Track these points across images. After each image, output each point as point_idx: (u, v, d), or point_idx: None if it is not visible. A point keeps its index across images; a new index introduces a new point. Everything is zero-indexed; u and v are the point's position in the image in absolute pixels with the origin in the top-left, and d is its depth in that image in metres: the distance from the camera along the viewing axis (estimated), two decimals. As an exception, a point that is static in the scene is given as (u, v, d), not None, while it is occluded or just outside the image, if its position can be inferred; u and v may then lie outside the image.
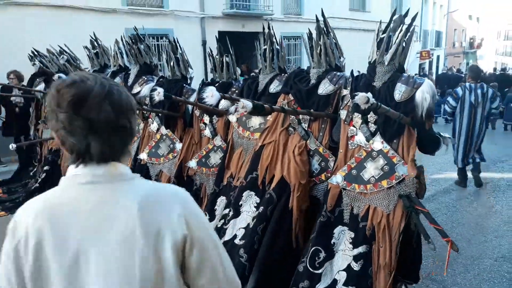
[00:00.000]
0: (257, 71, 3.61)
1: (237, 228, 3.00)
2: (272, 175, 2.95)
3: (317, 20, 2.91)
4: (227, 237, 3.00)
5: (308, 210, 2.88)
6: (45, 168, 5.38)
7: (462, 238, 4.10)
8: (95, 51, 5.07)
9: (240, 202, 3.06)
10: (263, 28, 3.34)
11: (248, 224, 2.93)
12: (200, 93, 3.51)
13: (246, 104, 2.54)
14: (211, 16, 11.73)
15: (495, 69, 18.06)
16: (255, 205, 3.00)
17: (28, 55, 6.43)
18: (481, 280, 3.39)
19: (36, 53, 6.20)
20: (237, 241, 2.92)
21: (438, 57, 28.07)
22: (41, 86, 5.82)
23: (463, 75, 13.67)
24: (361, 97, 2.15)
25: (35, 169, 5.94)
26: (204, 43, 11.56)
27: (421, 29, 21.88)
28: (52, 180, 5.14)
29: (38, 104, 6.12)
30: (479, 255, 3.79)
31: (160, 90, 3.37)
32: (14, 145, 4.96)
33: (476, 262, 3.68)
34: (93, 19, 9.32)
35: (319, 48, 2.94)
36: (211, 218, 3.36)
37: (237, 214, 3.04)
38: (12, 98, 6.90)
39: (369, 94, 2.16)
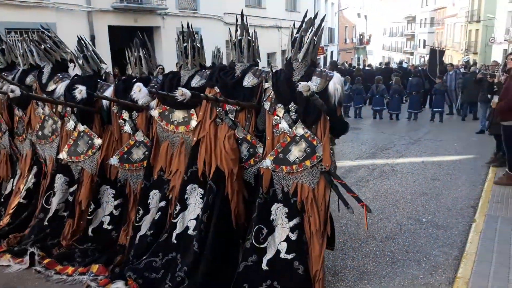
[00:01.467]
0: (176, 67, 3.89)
1: (187, 220, 3.34)
2: (209, 167, 3.31)
3: (242, 18, 3.37)
4: (178, 230, 3.35)
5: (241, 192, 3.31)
6: None
7: (351, 223, 4.40)
8: (1, 48, 4.78)
9: (186, 196, 3.39)
10: (183, 27, 3.67)
11: (198, 215, 3.30)
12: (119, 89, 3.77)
13: (185, 91, 2.95)
14: (99, 10, 11.18)
15: (380, 63, 19.90)
16: (201, 196, 3.36)
17: None
18: (368, 261, 3.68)
19: None
20: (190, 232, 3.31)
21: (332, 52, 30.14)
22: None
23: (354, 69, 14.87)
24: (304, 85, 2.69)
25: None
26: (92, 38, 10.98)
27: (315, 26, 23.18)
28: None
29: None
30: (366, 237, 4.11)
31: (82, 88, 3.58)
32: None
33: (363, 244, 3.99)
34: None
35: (243, 45, 3.35)
36: (145, 212, 3.63)
37: (184, 207, 3.38)
38: None
39: (310, 83, 2.71)
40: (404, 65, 20.23)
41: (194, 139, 3.44)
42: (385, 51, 53.66)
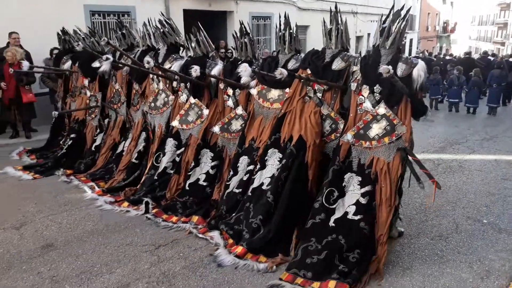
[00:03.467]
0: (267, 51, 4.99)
1: (263, 177, 4.03)
2: (291, 136, 3.95)
3: (336, 10, 3.88)
4: (255, 184, 4.06)
5: (320, 163, 3.90)
6: (72, 135, 6.39)
7: (404, 218, 4.36)
8: (121, 32, 5.95)
9: (266, 158, 4.09)
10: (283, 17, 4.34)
11: (273, 174, 3.96)
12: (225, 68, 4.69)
13: (283, 71, 3.67)
14: (171, -8, 11.58)
15: (466, 53, 18.48)
16: (278, 159, 4.01)
17: (57, 33, 7.43)
18: (415, 258, 3.65)
19: (64, 31, 7.23)
20: (264, 187, 3.97)
21: (411, 40, 28.56)
22: (68, 64, 6.92)
23: (434, 59, 13.99)
24: (385, 68, 3.14)
25: (64, 139, 6.83)
26: (169, 19, 11.37)
27: (393, 12, 22.06)
28: (77, 146, 6.30)
29: (67, 80, 7.06)
30: (417, 234, 4.10)
31: (197, 68, 4.36)
32: (56, 113, 6.42)
33: (413, 240, 3.97)
34: None
35: (335, 33, 3.89)
36: (234, 173, 4.40)
37: (263, 166, 4.08)
38: None
39: (390, 67, 3.15)
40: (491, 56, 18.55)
41: (282, 111, 4.09)
42: (472, 40, 49.73)
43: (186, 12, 12.53)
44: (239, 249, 3.63)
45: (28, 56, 8.61)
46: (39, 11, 9.12)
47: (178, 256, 3.63)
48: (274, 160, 4.02)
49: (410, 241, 3.91)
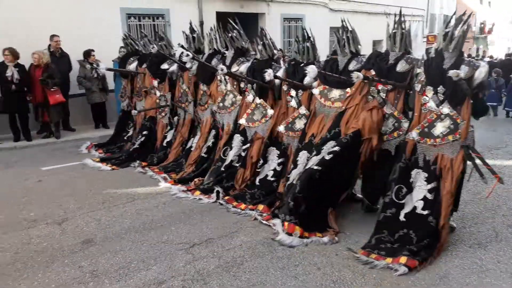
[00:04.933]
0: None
1: (314, 160, 4.26)
2: (349, 129, 4.21)
3: (400, 14, 4.23)
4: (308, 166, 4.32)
5: (378, 157, 4.28)
6: (144, 132, 6.94)
7: None
8: (192, 36, 6.42)
9: (323, 148, 4.32)
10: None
11: (323, 157, 4.18)
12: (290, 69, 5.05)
13: (359, 74, 3.93)
14: (208, -4, 11.74)
15: (507, 55, 17.83)
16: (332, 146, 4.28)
17: (122, 36, 8.20)
18: (452, 266, 3.56)
19: (127, 35, 8.02)
20: (314, 166, 4.15)
21: (446, 42, 27.62)
22: (133, 65, 7.44)
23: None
24: (454, 72, 3.47)
25: (129, 134, 7.53)
26: (201, 24, 11.59)
27: (428, 13, 21.64)
28: (149, 142, 6.87)
29: (133, 80, 7.56)
30: (454, 241, 3.99)
31: (270, 72, 4.84)
32: (136, 112, 6.98)
33: (450, 248, 3.86)
34: None
35: (399, 37, 4.18)
36: (294, 167, 4.69)
37: (318, 153, 4.33)
38: (7, 75, 7.75)
39: (459, 71, 3.47)
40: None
41: (343, 107, 4.38)
42: (510, 42, 47.88)
43: (219, 15, 12.70)
44: (297, 229, 3.97)
45: (67, 58, 8.98)
46: (78, 14, 9.48)
47: (212, 255, 3.70)
48: (328, 148, 4.28)
49: (447, 248, 3.79)
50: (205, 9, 12.10)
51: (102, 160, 6.78)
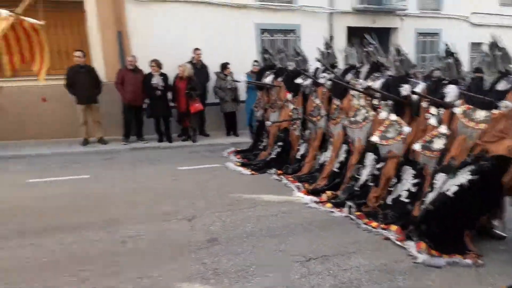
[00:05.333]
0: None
1: (451, 184, 4.05)
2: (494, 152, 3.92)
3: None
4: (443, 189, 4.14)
5: None
6: (279, 143, 7.26)
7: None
8: (327, 51, 6.57)
9: (461, 171, 4.07)
10: None
11: (461, 182, 3.97)
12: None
13: (508, 104, 3.85)
14: (340, 12, 11.74)
15: None
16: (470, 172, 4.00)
17: (260, 50, 8.92)
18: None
19: (266, 50, 8.52)
20: (448, 193, 3.99)
21: None
22: (269, 78, 7.85)
23: None
24: None
25: (264, 144, 7.96)
26: (331, 39, 11.63)
27: None
28: (284, 153, 7.14)
29: (268, 93, 7.97)
30: None
31: (407, 87, 4.82)
32: (269, 122, 7.36)
33: None
34: (225, 14, 10.63)
35: None
36: (431, 190, 4.40)
37: (454, 176, 4.08)
38: (153, 82, 8.72)
39: None
40: None
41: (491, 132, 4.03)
42: None
43: (349, 29, 12.59)
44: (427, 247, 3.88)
45: (206, 70, 9.78)
46: (218, 30, 10.28)
47: (327, 273, 3.64)
48: (466, 172, 4.00)
49: None
50: (336, 24, 12.10)
51: (243, 164, 7.31)
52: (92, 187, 6.02)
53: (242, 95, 9.90)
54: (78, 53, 8.35)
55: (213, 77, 9.90)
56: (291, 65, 6.92)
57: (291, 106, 7.06)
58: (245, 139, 9.54)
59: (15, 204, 5.22)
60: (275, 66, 7.92)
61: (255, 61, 9.72)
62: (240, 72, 9.54)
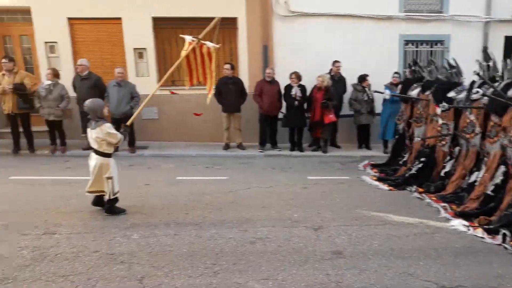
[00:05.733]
0: None
1: None
2: None
3: None
4: None
5: None
6: (422, 159, 7.00)
7: None
8: (486, 64, 6.17)
9: None
10: None
11: None
12: None
13: None
14: (497, 20, 10.53)
15: None
16: None
17: (408, 63, 8.85)
18: None
19: (415, 62, 8.44)
20: None
21: None
22: (416, 91, 7.63)
23: None
24: None
25: (404, 159, 7.72)
26: (485, 50, 10.50)
27: None
28: (426, 169, 6.82)
29: (413, 106, 7.80)
30: None
31: None
32: (419, 138, 7.09)
33: None
34: (369, 26, 10.42)
35: None
36: None
37: None
38: (292, 93, 8.98)
39: None
40: None
41: None
42: None
43: (508, 39, 11.22)
44: None
45: (343, 82, 9.76)
46: (359, 41, 10.15)
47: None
48: None
49: None
50: (492, 34, 10.90)
51: (380, 179, 7.15)
52: (230, 188, 6.48)
53: (378, 107, 9.63)
54: (227, 66, 9.09)
55: (349, 89, 9.83)
56: (442, 78, 6.57)
57: (440, 121, 6.67)
58: (377, 153, 9.33)
59: (166, 198, 5.92)
60: (423, 79, 7.58)
61: (396, 72, 9.36)
62: (379, 84, 9.31)
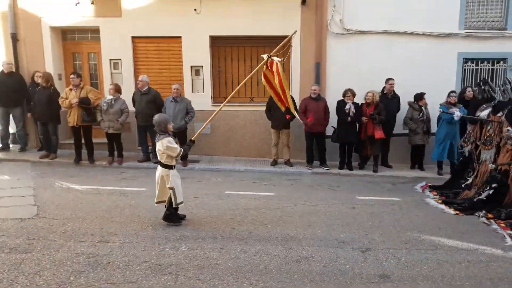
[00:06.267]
0: None
1: None
2: None
3: None
4: None
5: None
6: (493, 185, 6.69)
7: None
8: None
9: None
10: None
11: None
12: None
13: None
14: None
15: None
16: None
17: (478, 82, 8.78)
18: None
19: (485, 81, 8.45)
20: None
21: None
22: (485, 112, 7.41)
23: None
24: None
25: (467, 183, 7.45)
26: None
27: None
28: (498, 196, 6.51)
29: (482, 127, 7.53)
30: None
31: None
32: (493, 165, 6.66)
33: None
34: (426, 43, 10.11)
35: None
36: None
37: None
38: (346, 108, 8.98)
39: None
40: None
41: None
42: None
43: None
44: None
45: (397, 100, 9.54)
46: (414, 59, 9.90)
47: None
48: None
49: None
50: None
51: (445, 202, 6.91)
52: (276, 204, 6.49)
53: (433, 127, 9.29)
54: (276, 83, 9.22)
55: (403, 108, 9.57)
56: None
57: None
58: (430, 174, 9.01)
59: (213, 212, 6.05)
60: (493, 99, 7.35)
61: (453, 91, 8.99)
62: (436, 103, 9.02)
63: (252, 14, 9.72)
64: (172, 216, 5.41)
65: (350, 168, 9.23)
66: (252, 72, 6.14)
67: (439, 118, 9.00)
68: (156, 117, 5.38)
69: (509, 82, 7.20)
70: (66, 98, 8.63)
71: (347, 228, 5.50)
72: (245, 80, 6.39)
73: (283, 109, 5.98)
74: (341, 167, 9.31)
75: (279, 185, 7.96)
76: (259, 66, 5.70)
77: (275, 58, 5.45)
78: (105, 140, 9.14)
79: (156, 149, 5.37)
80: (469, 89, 9.24)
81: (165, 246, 4.68)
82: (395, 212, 6.34)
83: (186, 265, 4.21)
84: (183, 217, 5.54)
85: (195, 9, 9.69)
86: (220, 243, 4.84)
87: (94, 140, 9.17)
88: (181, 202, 5.38)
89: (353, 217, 5.98)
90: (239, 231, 5.23)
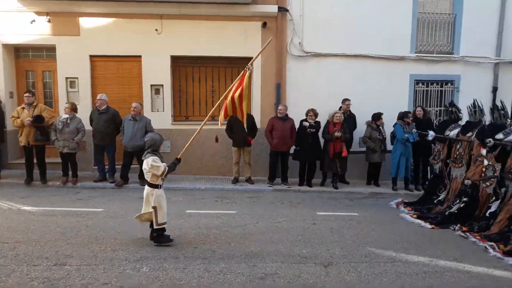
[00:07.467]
0: None
1: None
2: None
3: None
4: None
5: None
6: (464, 199, 6.96)
7: None
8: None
9: None
10: None
11: None
12: None
13: None
14: (508, 62, 10.65)
15: None
16: None
17: (445, 105, 9.46)
18: None
19: (452, 103, 8.73)
20: None
21: None
22: (454, 132, 7.76)
23: None
24: None
25: (439, 199, 7.79)
26: (495, 90, 10.63)
27: None
28: (469, 209, 6.76)
29: (451, 146, 7.94)
30: None
31: None
32: (469, 181, 6.79)
33: None
34: (380, 66, 10.66)
35: None
36: None
37: None
38: (305, 124, 9.31)
39: None
40: None
41: None
42: None
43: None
44: None
45: (353, 119, 9.88)
46: (369, 81, 10.38)
47: None
48: None
49: None
50: (502, 75, 11.03)
51: (420, 217, 7.14)
52: (238, 222, 6.48)
53: (389, 145, 9.70)
54: (237, 103, 9.33)
55: (360, 127, 9.96)
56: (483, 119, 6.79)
57: (486, 162, 6.70)
58: (386, 190, 9.36)
59: (175, 231, 5.89)
60: (460, 120, 7.83)
61: (408, 112, 9.45)
62: (391, 122, 9.45)
63: (213, 35, 9.85)
64: (160, 237, 5.32)
65: (310, 185, 9.40)
66: (244, 85, 6.09)
67: (392, 136, 9.44)
68: (153, 135, 5.38)
69: (478, 106, 7.62)
70: (18, 117, 8.30)
71: (309, 243, 5.56)
72: (243, 95, 6.17)
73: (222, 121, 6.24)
74: (300, 184, 9.46)
75: (240, 202, 7.95)
76: (245, 80, 5.97)
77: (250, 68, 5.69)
78: (58, 159, 8.82)
79: (143, 168, 5.32)
80: (419, 108, 9.75)
81: (125, 267, 4.54)
82: (354, 227, 6.49)
83: (148, 286, 4.09)
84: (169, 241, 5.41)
85: (156, 29, 9.71)
86: (183, 262, 4.75)
87: (46, 160, 8.83)
88: (164, 223, 5.30)
89: (315, 233, 6.06)
90: (202, 250, 5.17)
